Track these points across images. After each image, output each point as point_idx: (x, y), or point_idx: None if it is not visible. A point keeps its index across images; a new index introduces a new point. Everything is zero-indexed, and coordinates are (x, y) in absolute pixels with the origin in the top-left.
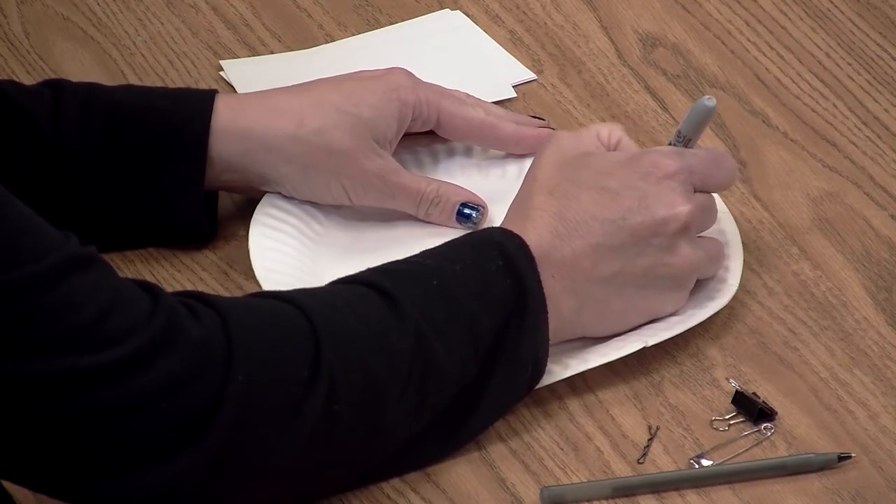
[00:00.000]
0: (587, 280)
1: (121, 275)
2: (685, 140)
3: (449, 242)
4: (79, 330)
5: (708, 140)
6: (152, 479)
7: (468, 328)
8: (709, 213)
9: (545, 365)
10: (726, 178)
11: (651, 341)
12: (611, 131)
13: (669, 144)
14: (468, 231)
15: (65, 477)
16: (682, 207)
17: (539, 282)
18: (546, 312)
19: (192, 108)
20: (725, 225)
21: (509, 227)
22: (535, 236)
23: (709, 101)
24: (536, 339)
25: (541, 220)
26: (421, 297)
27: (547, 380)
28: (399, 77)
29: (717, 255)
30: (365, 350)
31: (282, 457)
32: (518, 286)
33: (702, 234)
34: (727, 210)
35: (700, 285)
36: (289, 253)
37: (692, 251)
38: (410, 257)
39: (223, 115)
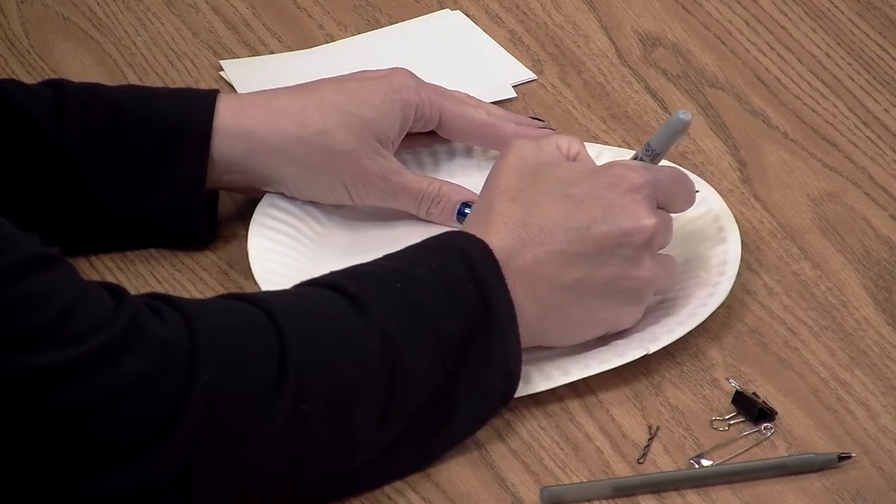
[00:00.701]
0: (549, 287)
1: (120, 276)
2: (653, 155)
3: (413, 246)
4: (42, 327)
5: (708, 140)
6: (123, 480)
7: (433, 332)
8: (668, 231)
9: (518, 376)
10: (687, 199)
11: (652, 348)
12: (570, 143)
13: (635, 158)
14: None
15: (33, 477)
16: (647, 220)
17: (505, 287)
18: (515, 319)
19: (194, 109)
20: (725, 222)
21: (471, 232)
22: (497, 241)
23: (684, 114)
24: (506, 347)
25: (503, 226)
26: (386, 299)
27: (547, 385)
28: (402, 78)
29: (674, 271)
30: (332, 350)
31: (252, 456)
32: (482, 292)
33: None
34: (729, 211)
35: (696, 286)
36: (288, 254)
37: (654, 265)
38: (375, 260)
39: (225, 115)
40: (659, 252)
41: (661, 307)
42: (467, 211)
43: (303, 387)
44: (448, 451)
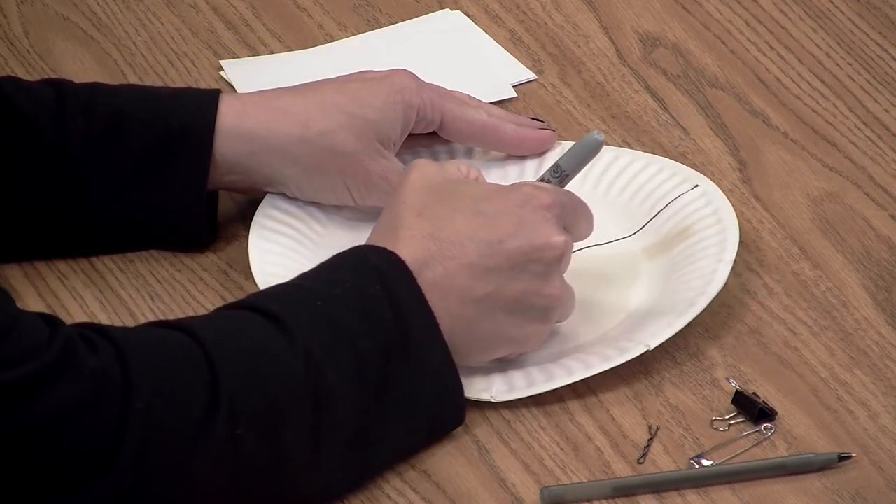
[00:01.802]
0: (461, 301)
1: (120, 276)
2: (562, 176)
3: (325, 264)
4: None
5: (708, 140)
6: None
7: (353, 351)
8: (570, 255)
9: (457, 388)
10: (589, 226)
11: (652, 344)
12: (470, 168)
13: (541, 180)
14: None
15: None
16: (558, 237)
17: (423, 300)
18: (437, 329)
19: (196, 110)
20: (724, 213)
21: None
22: (408, 254)
23: (598, 135)
24: (432, 360)
25: (412, 240)
26: (307, 320)
27: (549, 385)
28: (404, 79)
29: (573, 300)
30: (260, 373)
31: (190, 483)
32: (397, 309)
33: None
34: (727, 200)
35: (694, 276)
36: (289, 255)
37: (562, 285)
38: (291, 281)
39: (227, 116)
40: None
41: (659, 302)
42: None
43: (235, 411)
44: (386, 469)
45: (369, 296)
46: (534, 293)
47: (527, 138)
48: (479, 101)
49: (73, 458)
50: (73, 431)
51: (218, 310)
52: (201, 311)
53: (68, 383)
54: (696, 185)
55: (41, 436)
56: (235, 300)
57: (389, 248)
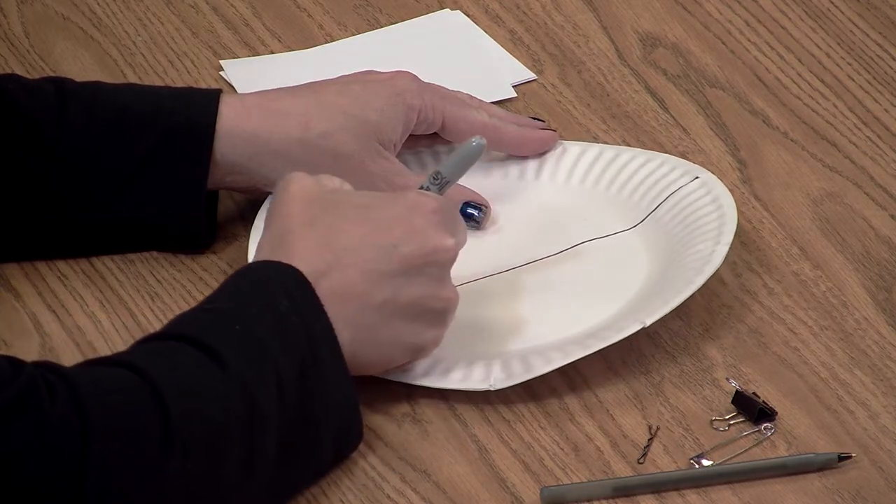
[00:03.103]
0: (360, 308)
1: (120, 276)
2: (442, 183)
3: (226, 284)
4: None
5: (708, 140)
6: None
7: (274, 370)
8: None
9: (355, 406)
10: (465, 235)
11: (648, 321)
12: (342, 182)
13: (422, 187)
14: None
15: None
16: (450, 241)
17: (323, 313)
18: (336, 343)
19: (197, 111)
20: (723, 200)
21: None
22: (304, 266)
23: (478, 141)
24: (336, 373)
25: (306, 251)
26: (234, 343)
27: (546, 367)
28: (405, 81)
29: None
30: (204, 404)
31: None
32: (305, 323)
33: None
34: (726, 189)
35: (692, 258)
36: None
37: (454, 288)
38: (203, 304)
39: (228, 118)
40: None
41: (656, 282)
42: (470, 210)
43: (186, 445)
44: (309, 486)
45: (280, 313)
46: (430, 297)
47: (528, 139)
48: (481, 101)
49: (40, 496)
50: (36, 468)
51: (143, 341)
52: None
53: (27, 427)
54: (697, 178)
55: (3, 474)
56: (155, 331)
57: (284, 261)
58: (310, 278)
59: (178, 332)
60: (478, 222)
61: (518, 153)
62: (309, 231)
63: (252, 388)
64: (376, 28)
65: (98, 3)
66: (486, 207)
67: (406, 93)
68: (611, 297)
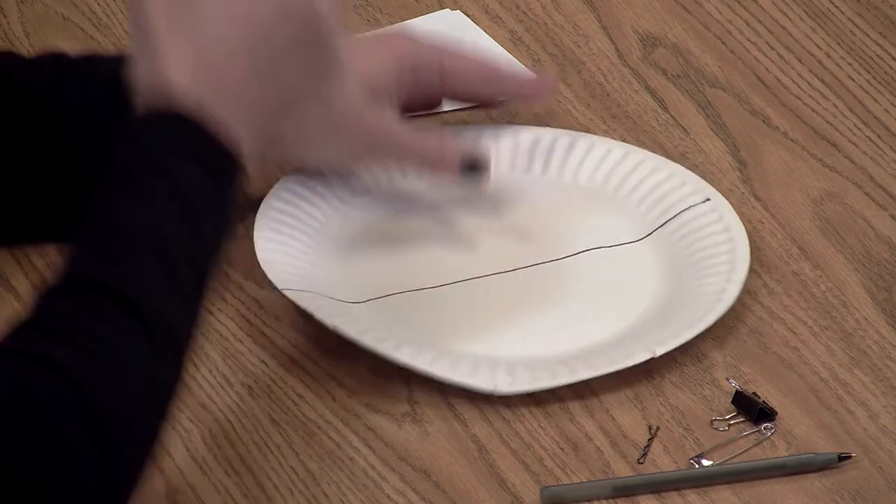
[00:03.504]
0: (241, 84)
1: None
2: None
3: (123, 155)
4: None
5: (708, 140)
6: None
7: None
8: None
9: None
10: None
11: (659, 351)
12: None
13: None
14: (471, 189)
15: None
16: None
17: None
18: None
19: None
20: (735, 231)
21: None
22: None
23: None
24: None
25: (179, 66)
26: (151, 277)
27: (553, 383)
28: (399, 42)
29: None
30: (129, 393)
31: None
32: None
33: None
34: (737, 217)
35: (703, 291)
36: (294, 254)
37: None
38: (109, 206)
39: None
40: None
41: (668, 311)
42: (471, 166)
43: (152, 330)
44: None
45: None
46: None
47: (527, 79)
48: (473, 48)
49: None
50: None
51: (52, 293)
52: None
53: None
54: (707, 199)
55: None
56: (64, 275)
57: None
58: (195, 111)
59: (95, 282)
60: (479, 178)
61: (520, 99)
62: (175, 37)
63: (168, 315)
64: (376, 28)
65: (98, 3)
66: (488, 161)
67: (400, 51)
68: (618, 311)
